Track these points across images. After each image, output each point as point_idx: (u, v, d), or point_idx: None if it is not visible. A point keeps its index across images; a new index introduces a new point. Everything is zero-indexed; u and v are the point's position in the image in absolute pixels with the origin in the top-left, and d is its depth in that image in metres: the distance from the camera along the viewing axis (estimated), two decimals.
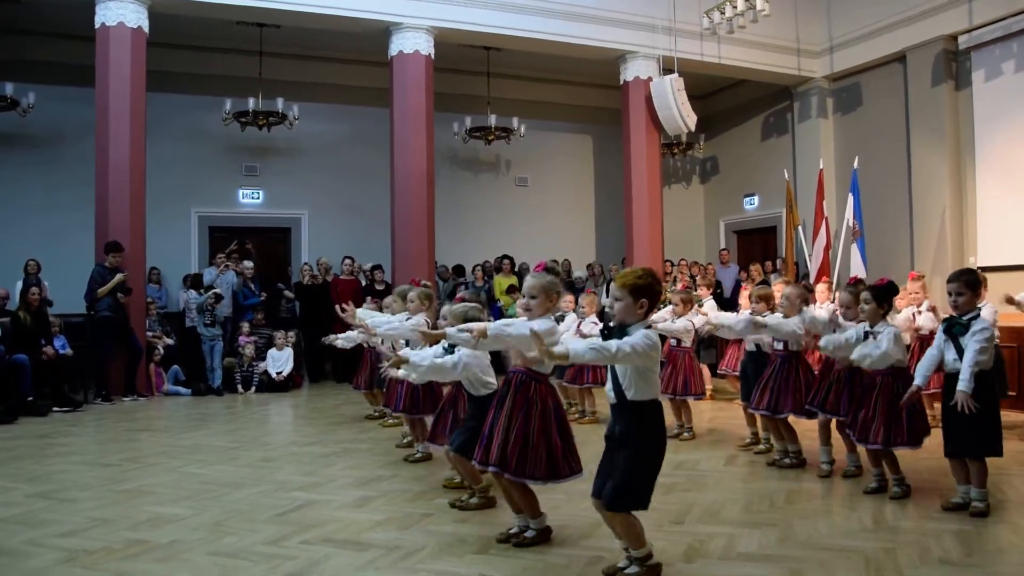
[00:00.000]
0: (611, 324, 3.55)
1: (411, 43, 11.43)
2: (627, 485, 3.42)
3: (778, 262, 13.87)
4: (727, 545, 4.03)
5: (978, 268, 11.54)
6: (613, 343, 3.33)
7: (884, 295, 5.11)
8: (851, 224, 12.04)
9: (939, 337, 4.81)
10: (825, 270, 12.10)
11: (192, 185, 13.32)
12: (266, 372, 11.09)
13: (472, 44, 12.69)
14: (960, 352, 4.59)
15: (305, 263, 13.06)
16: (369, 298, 10.09)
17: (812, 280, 11.99)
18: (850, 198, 12.16)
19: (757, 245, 16.10)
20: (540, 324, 3.81)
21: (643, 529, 3.56)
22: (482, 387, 4.64)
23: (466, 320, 4.46)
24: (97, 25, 10.21)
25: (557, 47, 12.48)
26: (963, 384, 4.47)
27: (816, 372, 5.92)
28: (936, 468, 5.55)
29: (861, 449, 5.25)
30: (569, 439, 4.04)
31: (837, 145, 14.12)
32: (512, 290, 12.91)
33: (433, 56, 11.67)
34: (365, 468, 6.04)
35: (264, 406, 9.88)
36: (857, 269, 11.57)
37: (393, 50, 11.52)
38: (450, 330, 4.16)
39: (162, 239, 12.24)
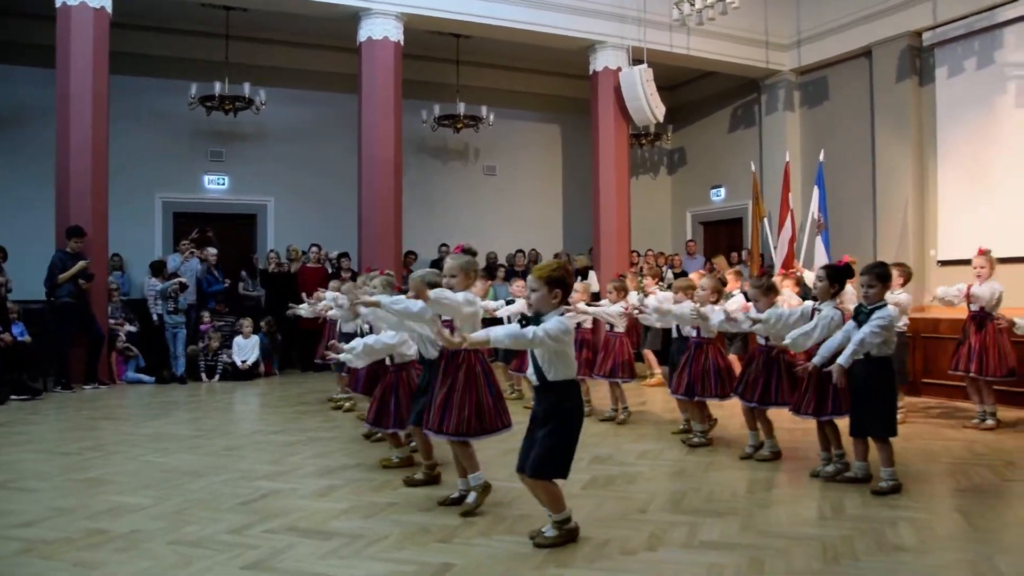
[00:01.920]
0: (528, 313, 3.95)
1: (380, 29, 11.34)
2: (549, 456, 3.81)
3: (744, 253, 14.00)
4: (689, 533, 4.07)
5: (939, 262, 11.83)
6: (530, 329, 3.73)
7: (839, 275, 5.27)
8: (816, 216, 12.16)
9: (850, 323, 5.10)
10: (790, 262, 12.22)
11: (156, 170, 13.11)
12: (231, 360, 10.99)
13: (441, 31, 12.63)
14: None
15: (272, 250, 12.93)
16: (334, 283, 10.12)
17: (777, 271, 12.13)
18: (815, 190, 12.28)
19: (723, 236, 16.23)
20: (465, 295, 4.43)
21: (563, 496, 3.93)
22: (433, 347, 4.88)
23: (427, 284, 4.72)
24: (58, 4, 9.98)
25: (527, 35, 12.45)
26: (843, 358, 4.86)
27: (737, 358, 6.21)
28: (898, 458, 5.67)
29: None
30: (500, 396, 4.55)
31: (803, 138, 14.27)
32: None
33: (402, 42, 11.59)
34: (330, 457, 6.02)
35: (228, 394, 9.80)
36: (821, 261, 11.67)
37: (362, 36, 11.43)
38: (383, 299, 4.66)
39: (125, 225, 12.07)
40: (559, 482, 3.92)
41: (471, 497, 4.52)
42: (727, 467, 5.64)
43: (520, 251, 14.47)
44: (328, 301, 8.08)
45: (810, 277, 8.29)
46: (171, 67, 12.99)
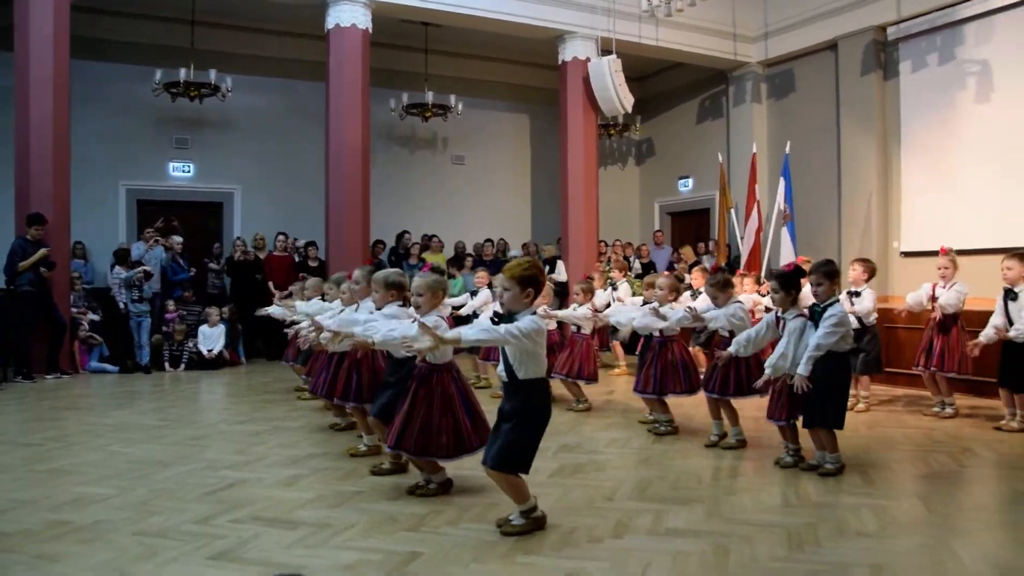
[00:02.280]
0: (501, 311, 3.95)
1: (348, 16, 11.23)
2: (511, 449, 3.86)
3: (711, 244, 14.11)
4: (655, 521, 4.11)
5: (901, 253, 12.02)
6: (503, 327, 3.74)
7: (790, 281, 5.24)
8: (782, 208, 12.31)
9: (770, 315, 5.36)
10: (756, 252, 12.37)
11: (120, 157, 12.92)
12: (197, 349, 10.89)
13: (410, 19, 12.55)
14: None
15: (238, 238, 12.79)
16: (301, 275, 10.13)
17: (743, 263, 12.27)
18: (781, 182, 12.44)
19: (691, 227, 16.35)
20: (427, 320, 4.29)
21: (527, 486, 3.96)
22: (403, 348, 4.80)
23: (387, 285, 4.97)
24: None
25: (496, 25, 12.41)
26: (802, 367, 4.98)
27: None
28: (860, 446, 5.78)
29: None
30: (477, 414, 4.50)
31: (770, 130, 14.39)
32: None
33: (371, 30, 11.50)
34: (296, 446, 5.99)
35: (194, 384, 9.70)
36: (787, 252, 11.85)
37: (330, 23, 11.32)
38: (357, 330, 4.72)
39: (88, 212, 11.89)
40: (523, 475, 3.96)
41: (431, 486, 4.60)
42: (693, 455, 5.69)
43: (489, 240, 14.47)
44: (302, 318, 7.29)
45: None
46: (135, 53, 12.79)
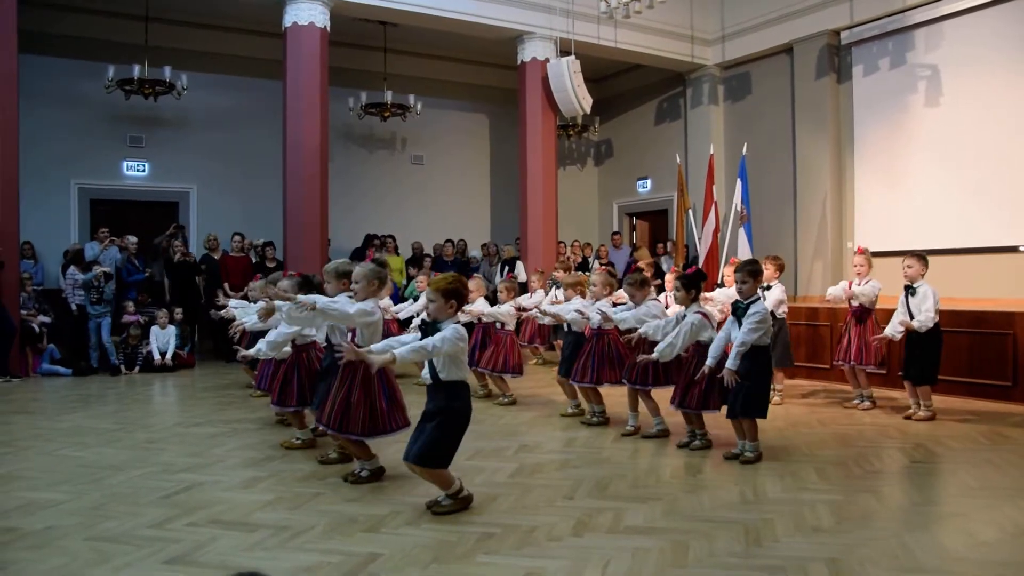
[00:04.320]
0: (426, 320, 4.31)
1: (306, 14, 11.13)
2: (433, 447, 4.13)
3: (669, 244, 14.23)
4: (615, 519, 4.14)
5: (855, 252, 12.21)
6: (429, 342, 4.06)
7: (692, 282, 5.81)
8: (739, 208, 12.46)
9: (729, 319, 5.59)
10: (714, 253, 12.50)
11: (72, 155, 12.68)
12: (150, 351, 10.71)
13: (368, 18, 12.48)
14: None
15: (178, 240, 12.36)
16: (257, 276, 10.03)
17: (701, 262, 12.39)
18: (738, 183, 12.59)
19: (649, 227, 16.48)
20: (362, 304, 4.74)
21: (450, 474, 4.25)
22: (340, 335, 5.12)
23: (338, 275, 5.16)
24: None
25: (454, 24, 12.39)
26: (730, 362, 5.33)
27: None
28: (813, 440, 5.88)
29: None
30: (395, 400, 4.78)
31: (727, 131, 14.56)
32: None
33: (329, 29, 11.41)
34: (254, 448, 5.92)
35: (148, 386, 9.55)
36: (744, 252, 11.99)
37: (287, 21, 11.21)
38: (300, 296, 4.93)
39: (38, 212, 11.66)
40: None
41: (363, 472, 4.88)
42: (652, 454, 5.74)
43: (449, 241, 14.44)
44: (234, 310, 8.33)
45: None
46: (87, 48, 12.56)
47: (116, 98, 12.30)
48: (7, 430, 6.71)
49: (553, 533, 3.91)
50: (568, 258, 13.35)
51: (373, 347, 4.39)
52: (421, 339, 4.18)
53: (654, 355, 5.74)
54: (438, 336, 4.07)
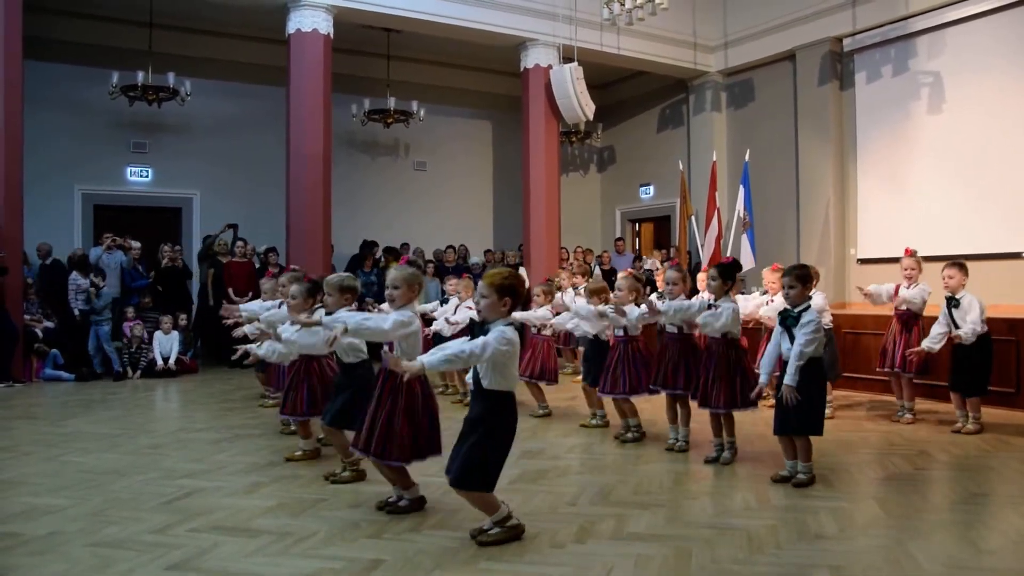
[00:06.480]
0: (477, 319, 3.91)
1: (309, 21, 11.17)
2: (472, 465, 3.76)
3: (671, 251, 14.23)
4: (617, 525, 4.13)
5: (858, 260, 12.23)
6: (467, 347, 3.72)
7: (729, 272, 5.54)
8: (741, 215, 12.46)
9: (776, 329, 5.20)
10: (716, 259, 12.47)
11: (76, 161, 12.70)
12: (153, 356, 10.71)
13: (372, 25, 12.51)
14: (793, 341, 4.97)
15: (166, 245, 12.21)
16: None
17: (703, 267, 12.36)
18: (741, 190, 12.58)
19: (652, 234, 16.48)
20: (398, 316, 4.22)
21: (495, 498, 3.87)
22: (352, 354, 4.98)
23: (341, 289, 4.86)
24: None
25: (458, 32, 12.43)
26: (789, 378, 4.86)
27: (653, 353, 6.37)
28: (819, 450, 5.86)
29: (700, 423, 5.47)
30: (435, 424, 4.33)
31: (730, 138, 14.56)
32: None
33: (332, 35, 11.44)
34: (256, 454, 5.92)
35: (151, 391, 9.55)
36: (746, 259, 11.98)
37: (291, 28, 11.24)
38: (326, 319, 4.49)
39: (42, 217, 11.67)
40: None
41: (402, 503, 4.42)
42: (655, 460, 5.72)
43: (451, 247, 14.44)
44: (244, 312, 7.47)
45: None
46: (92, 54, 12.59)
47: (120, 104, 12.33)
48: (9, 435, 6.71)
49: (556, 539, 3.90)
50: (572, 264, 13.30)
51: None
52: (470, 340, 3.88)
53: (700, 320, 5.48)
54: (479, 340, 3.71)
